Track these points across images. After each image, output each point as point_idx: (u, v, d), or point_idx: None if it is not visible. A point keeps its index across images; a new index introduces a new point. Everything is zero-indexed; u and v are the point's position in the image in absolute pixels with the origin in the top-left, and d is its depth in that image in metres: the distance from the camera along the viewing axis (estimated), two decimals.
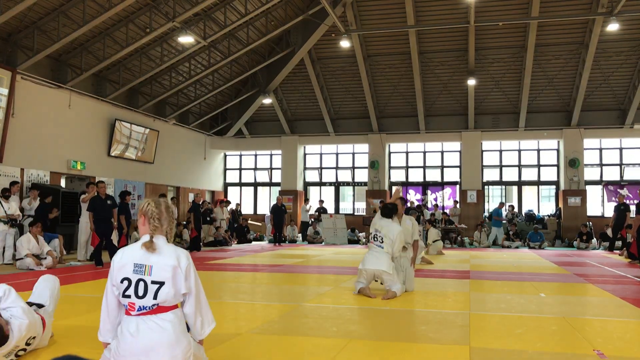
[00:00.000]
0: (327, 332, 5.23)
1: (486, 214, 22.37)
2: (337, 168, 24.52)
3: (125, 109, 18.19)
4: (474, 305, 6.75)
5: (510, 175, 22.88)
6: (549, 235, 20.44)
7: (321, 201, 23.11)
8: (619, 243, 16.70)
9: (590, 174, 21.83)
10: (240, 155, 25.53)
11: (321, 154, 24.68)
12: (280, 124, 23.84)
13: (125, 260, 3.41)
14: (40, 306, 4.56)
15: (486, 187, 22.98)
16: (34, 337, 4.18)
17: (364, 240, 20.91)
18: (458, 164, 22.97)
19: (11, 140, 13.73)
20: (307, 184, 24.71)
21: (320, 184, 24.63)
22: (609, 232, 17.65)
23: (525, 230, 20.32)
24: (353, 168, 24.25)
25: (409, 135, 22.93)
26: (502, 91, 21.60)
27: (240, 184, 25.58)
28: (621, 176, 21.67)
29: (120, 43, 15.74)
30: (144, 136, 18.96)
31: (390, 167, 23.66)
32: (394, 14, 19.12)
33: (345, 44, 18.49)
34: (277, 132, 24.17)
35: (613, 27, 16.67)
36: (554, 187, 22.60)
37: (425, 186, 23.26)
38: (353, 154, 24.28)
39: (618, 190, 20.69)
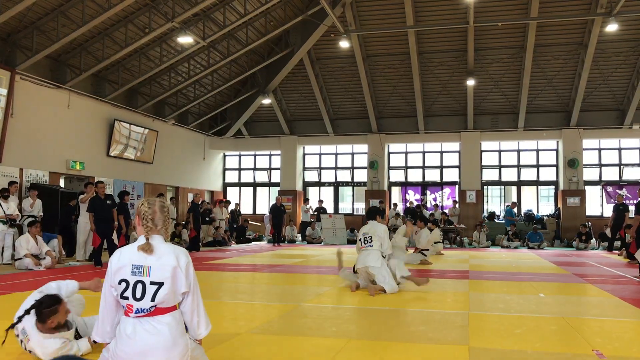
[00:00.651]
0: (327, 332, 5.23)
1: (485, 214, 22.39)
2: (336, 168, 24.52)
3: (124, 109, 18.19)
4: (473, 305, 6.75)
5: (510, 175, 22.89)
6: (548, 235, 20.45)
7: (320, 201, 23.11)
8: (617, 243, 16.71)
9: (589, 174, 21.85)
10: (240, 156, 25.53)
11: (320, 154, 24.68)
12: (280, 124, 23.84)
13: (123, 261, 3.37)
14: None
15: (485, 187, 23.00)
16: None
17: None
18: (457, 164, 22.98)
19: (10, 140, 13.72)
20: (306, 184, 24.71)
21: (320, 184, 24.63)
22: (608, 232, 17.66)
23: (525, 230, 20.33)
24: (352, 168, 24.25)
25: (408, 136, 22.94)
26: (501, 91, 21.62)
27: (240, 184, 25.57)
28: (620, 176, 21.69)
29: (120, 43, 15.74)
30: (143, 136, 18.96)
31: (389, 168, 23.67)
32: (394, 14, 19.13)
33: (344, 44, 18.49)
34: (277, 133, 24.17)
35: (612, 27, 16.68)
36: (553, 187, 22.62)
37: (424, 186, 23.26)
38: (352, 154, 24.28)
39: (617, 190, 20.70)
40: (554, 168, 22.40)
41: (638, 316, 6.22)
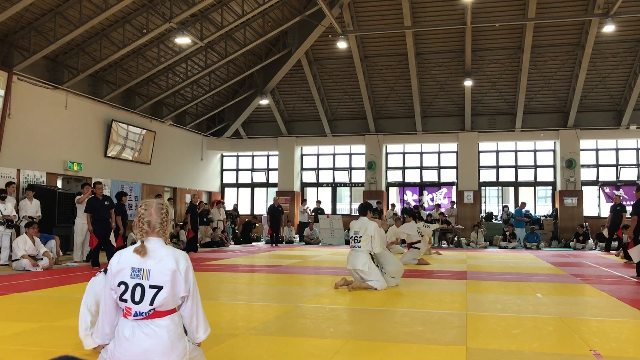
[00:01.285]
0: (325, 333, 5.23)
1: (483, 214, 22.42)
2: (334, 169, 24.53)
3: (121, 109, 18.17)
4: (470, 305, 6.76)
5: (507, 176, 22.91)
6: (545, 235, 20.48)
7: (318, 202, 23.11)
8: (615, 243, 16.74)
9: (587, 174, 21.89)
10: (237, 156, 25.51)
11: (318, 155, 24.68)
12: (277, 125, 23.84)
13: (123, 263, 3.37)
14: None
15: (483, 187, 23.02)
16: None
17: None
18: (455, 165, 23.00)
19: (7, 140, 13.69)
20: (304, 185, 24.71)
21: (318, 184, 24.63)
22: (605, 232, 17.68)
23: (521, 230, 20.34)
24: (350, 169, 24.26)
25: (405, 136, 22.95)
26: (499, 92, 21.64)
27: (237, 185, 25.56)
28: (617, 177, 21.73)
29: (117, 44, 15.72)
30: (141, 137, 18.94)
31: (387, 168, 23.68)
32: (391, 15, 19.14)
33: (342, 45, 18.49)
34: (274, 133, 24.16)
35: (609, 28, 16.71)
36: (550, 187, 22.65)
37: (422, 187, 23.28)
38: (350, 154, 24.29)
39: (614, 191, 20.74)
40: (552, 169, 22.43)
41: (635, 316, 6.23)
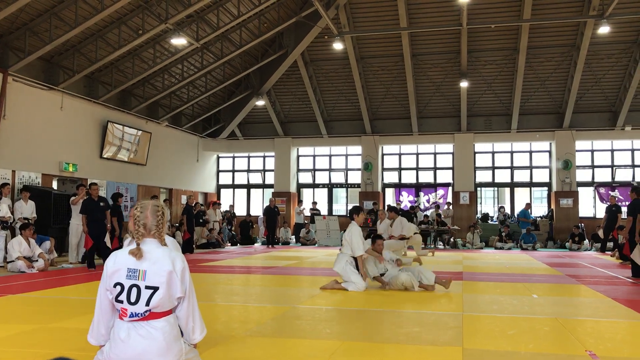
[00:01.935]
0: (321, 334, 5.23)
1: (479, 215, 22.45)
2: (330, 170, 24.53)
3: (117, 110, 18.13)
4: (466, 306, 6.77)
5: (503, 176, 22.95)
6: (541, 236, 20.52)
7: (314, 203, 23.11)
8: (610, 244, 16.79)
9: (582, 175, 21.95)
10: (233, 157, 25.49)
11: (314, 156, 24.68)
12: (274, 126, 23.82)
13: (118, 264, 3.36)
14: None
15: (479, 188, 23.05)
16: None
17: None
18: (451, 166, 23.03)
19: (2, 141, 13.65)
20: (300, 186, 24.70)
21: (314, 185, 24.62)
22: (601, 233, 17.72)
23: (518, 231, 20.38)
24: (346, 170, 24.26)
25: (402, 137, 22.97)
26: (495, 93, 21.69)
27: (233, 186, 25.53)
28: (613, 178, 21.80)
29: (113, 45, 15.69)
30: (137, 138, 18.90)
31: (383, 169, 23.69)
32: (387, 16, 19.16)
33: (338, 46, 18.49)
34: (270, 134, 24.15)
35: (604, 29, 16.75)
36: (546, 188, 22.70)
37: (418, 188, 23.29)
38: (346, 155, 24.30)
39: (609, 191, 20.80)
40: (547, 169, 22.48)
41: (630, 317, 6.25)
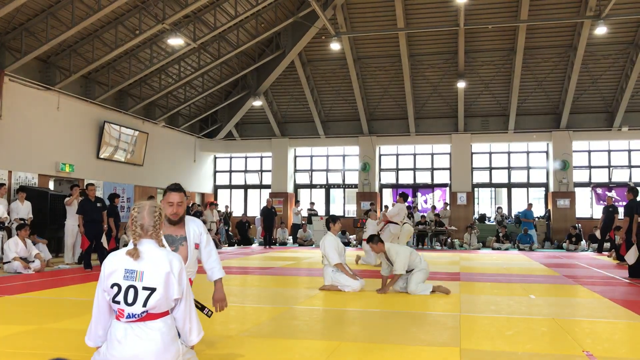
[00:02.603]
0: (318, 335, 5.22)
1: (476, 216, 22.47)
2: (327, 170, 24.52)
3: (114, 111, 18.09)
4: (464, 306, 6.76)
5: (500, 177, 22.98)
6: (538, 237, 20.53)
7: (312, 203, 23.10)
8: (607, 245, 16.81)
9: (579, 176, 21.99)
10: (231, 158, 25.47)
11: (312, 157, 24.67)
12: (271, 126, 23.81)
13: (115, 265, 3.35)
14: None
15: (476, 189, 23.07)
16: None
17: (354, 242, 20.93)
18: (448, 166, 23.05)
19: None
20: (297, 187, 24.69)
21: (311, 186, 24.61)
22: (598, 233, 17.76)
23: (515, 232, 20.40)
24: (343, 170, 24.26)
25: (399, 138, 22.98)
26: (492, 94, 21.71)
27: (231, 187, 25.51)
28: (609, 178, 21.84)
29: (110, 45, 15.66)
30: (133, 138, 18.87)
31: (380, 170, 23.70)
32: (384, 16, 19.16)
33: (335, 46, 18.49)
34: (268, 135, 24.14)
35: (601, 30, 16.78)
36: (543, 189, 22.72)
37: (415, 188, 23.30)
38: (343, 156, 24.29)
39: (606, 192, 20.83)
40: (544, 170, 22.51)
41: (627, 317, 6.26)
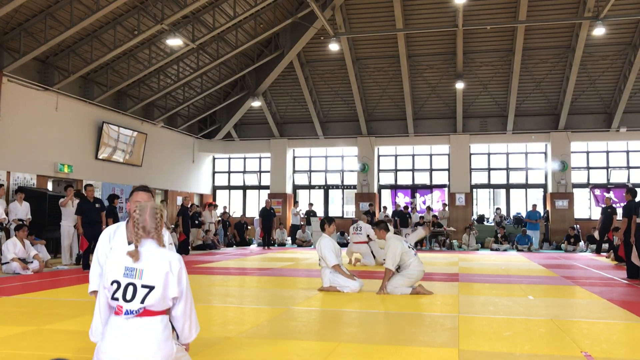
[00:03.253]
0: (316, 336, 5.22)
1: (475, 216, 22.48)
2: (326, 171, 24.52)
3: (112, 111, 18.08)
4: (462, 307, 6.77)
5: (499, 178, 22.99)
6: (536, 238, 20.53)
7: (310, 204, 23.09)
8: (605, 245, 16.83)
9: (578, 177, 22.01)
10: (229, 159, 25.46)
11: (310, 157, 24.67)
12: (269, 127, 23.80)
13: (116, 263, 3.40)
14: None
15: (474, 190, 23.08)
16: None
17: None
18: (447, 167, 23.06)
19: None
20: (296, 187, 24.68)
21: (310, 187, 24.61)
22: (596, 234, 17.76)
23: (514, 233, 20.41)
24: (342, 171, 24.26)
25: (397, 139, 22.99)
26: (490, 94, 21.73)
27: (229, 187, 25.50)
28: (608, 179, 21.86)
29: (108, 45, 15.65)
30: (132, 139, 18.86)
31: (379, 170, 23.70)
32: (383, 17, 19.18)
33: (334, 47, 18.48)
34: (266, 135, 24.13)
35: (599, 31, 16.80)
36: (541, 190, 22.74)
37: (414, 189, 23.31)
38: (342, 157, 24.30)
39: (604, 193, 20.84)
40: (543, 171, 22.52)
41: (626, 318, 6.26)
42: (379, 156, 23.68)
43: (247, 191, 25.38)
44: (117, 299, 3.34)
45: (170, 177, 21.58)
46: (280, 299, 7.69)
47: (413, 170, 23.62)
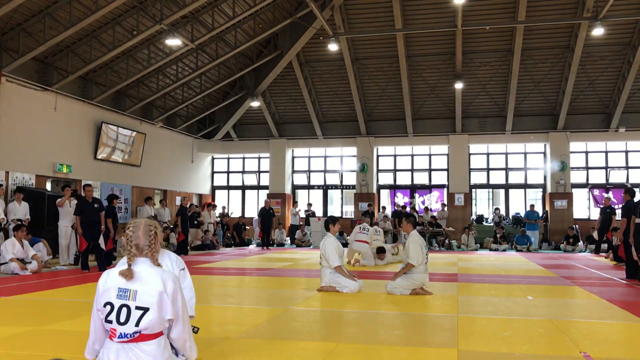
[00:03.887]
0: (315, 336, 5.22)
1: (474, 216, 22.48)
2: (325, 171, 24.52)
3: (111, 111, 18.07)
4: (462, 308, 6.77)
5: (498, 178, 23.00)
6: (535, 238, 20.54)
7: (309, 204, 23.08)
8: (605, 246, 16.84)
9: (577, 177, 22.02)
10: (228, 159, 25.45)
11: (309, 157, 24.67)
12: (269, 127, 23.80)
13: (110, 283, 3.30)
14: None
15: (473, 190, 23.09)
16: None
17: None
18: (446, 167, 23.06)
19: None
20: (295, 187, 24.68)
21: (309, 187, 24.61)
22: (595, 234, 17.78)
23: (513, 233, 20.41)
24: (341, 171, 24.26)
25: (396, 139, 22.99)
26: (489, 95, 21.73)
27: (228, 187, 25.49)
28: (607, 179, 21.87)
29: (107, 45, 15.64)
30: (131, 139, 18.84)
31: (378, 170, 23.70)
32: (382, 17, 19.18)
33: (333, 47, 18.49)
34: (265, 135, 24.13)
35: (598, 31, 16.82)
36: (540, 190, 22.75)
37: (413, 189, 23.31)
38: (341, 157, 24.30)
39: (603, 193, 20.85)
40: (542, 171, 22.53)
41: (625, 318, 6.27)
42: (378, 156, 23.68)
43: (246, 191, 25.37)
44: (110, 322, 3.25)
45: (169, 177, 21.57)
46: (280, 299, 7.69)
47: (412, 170, 23.62)
